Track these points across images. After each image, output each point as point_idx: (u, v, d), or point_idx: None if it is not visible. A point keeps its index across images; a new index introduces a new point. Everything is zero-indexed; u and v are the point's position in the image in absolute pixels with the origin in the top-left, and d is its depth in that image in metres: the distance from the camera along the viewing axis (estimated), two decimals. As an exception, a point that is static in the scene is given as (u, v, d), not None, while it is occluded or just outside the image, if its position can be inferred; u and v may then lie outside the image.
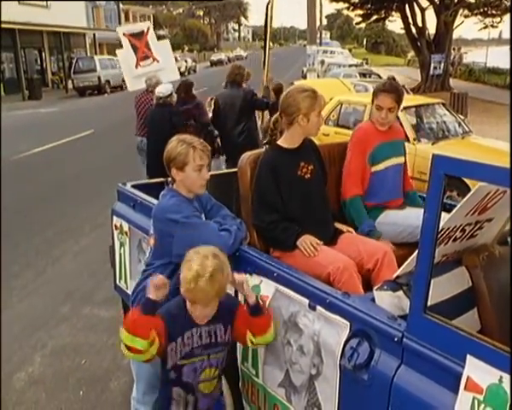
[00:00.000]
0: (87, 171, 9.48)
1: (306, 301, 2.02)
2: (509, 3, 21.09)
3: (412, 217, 2.81)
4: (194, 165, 2.27)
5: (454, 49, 27.77)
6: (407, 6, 22.20)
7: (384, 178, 3.10)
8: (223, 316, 2.08)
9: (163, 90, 5.87)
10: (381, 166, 3.09)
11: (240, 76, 6.12)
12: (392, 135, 3.19)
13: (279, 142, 2.75)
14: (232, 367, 2.36)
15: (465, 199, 1.73)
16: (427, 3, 21.74)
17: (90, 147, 11.96)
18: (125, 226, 3.17)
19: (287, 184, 2.64)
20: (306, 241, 2.54)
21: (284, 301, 2.12)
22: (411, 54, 40.23)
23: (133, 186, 3.32)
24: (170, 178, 2.46)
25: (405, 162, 3.30)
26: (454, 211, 1.76)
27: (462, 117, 8.44)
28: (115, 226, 3.30)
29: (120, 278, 3.30)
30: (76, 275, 5.11)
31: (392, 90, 3.06)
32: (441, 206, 1.54)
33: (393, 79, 3.21)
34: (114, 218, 3.31)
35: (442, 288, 1.95)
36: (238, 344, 2.28)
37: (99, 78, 25.77)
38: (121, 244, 3.24)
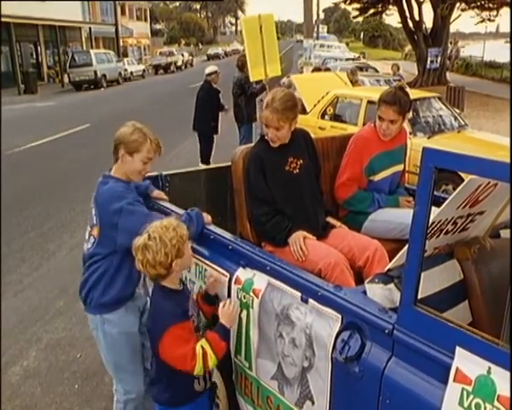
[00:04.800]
0: (83, 165, 9.45)
1: (299, 294, 2.02)
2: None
3: (404, 215, 2.78)
4: (145, 156, 2.31)
5: (451, 42, 27.72)
6: (404, -1, 22.15)
7: (380, 188, 3.07)
8: None
9: (207, 70, 7.81)
10: (377, 177, 3.04)
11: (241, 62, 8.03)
12: (395, 142, 3.05)
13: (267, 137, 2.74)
14: (225, 360, 2.36)
15: (456, 192, 1.73)
16: (424, -3, 21.72)
17: (86, 141, 11.93)
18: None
19: (274, 179, 2.65)
20: (297, 241, 2.53)
21: (277, 294, 2.12)
22: (408, 48, 40.14)
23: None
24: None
25: (404, 166, 3.22)
26: (445, 204, 1.76)
27: (457, 111, 8.44)
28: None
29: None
30: (71, 269, 5.09)
31: (394, 102, 2.83)
32: (432, 199, 1.54)
33: (400, 88, 3.05)
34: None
35: (434, 280, 1.96)
36: (231, 337, 2.28)
37: (95, 72, 25.67)
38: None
